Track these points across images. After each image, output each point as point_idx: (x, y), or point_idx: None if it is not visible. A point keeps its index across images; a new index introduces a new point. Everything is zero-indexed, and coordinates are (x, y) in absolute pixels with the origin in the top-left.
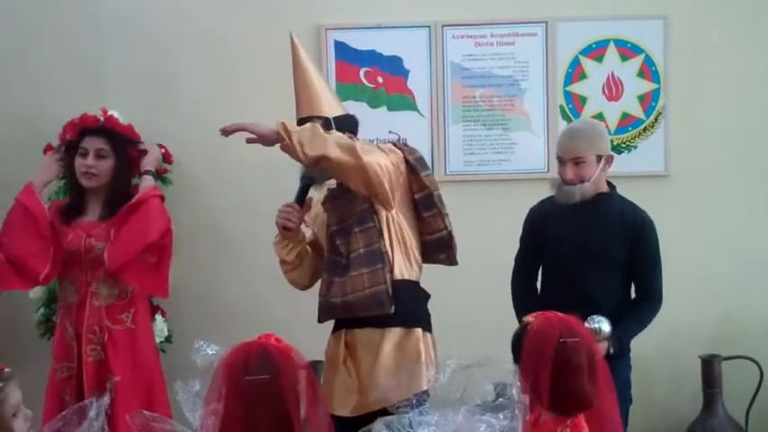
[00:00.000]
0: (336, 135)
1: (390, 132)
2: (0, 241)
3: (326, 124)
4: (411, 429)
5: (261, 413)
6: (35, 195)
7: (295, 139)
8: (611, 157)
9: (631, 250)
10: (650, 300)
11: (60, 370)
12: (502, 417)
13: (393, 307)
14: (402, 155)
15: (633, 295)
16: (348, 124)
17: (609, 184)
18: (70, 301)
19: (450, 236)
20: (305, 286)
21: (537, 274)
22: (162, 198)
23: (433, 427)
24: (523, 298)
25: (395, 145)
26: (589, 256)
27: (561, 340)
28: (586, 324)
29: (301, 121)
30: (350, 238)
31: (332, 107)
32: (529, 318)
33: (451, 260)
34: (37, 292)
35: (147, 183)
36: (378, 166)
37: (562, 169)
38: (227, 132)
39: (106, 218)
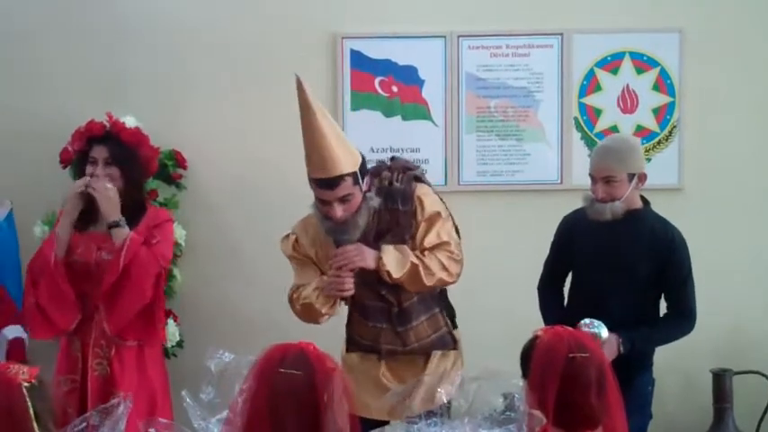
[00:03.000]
0: (438, 262)
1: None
2: (32, 281)
3: (356, 180)
4: None
5: (289, 409)
6: (52, 248)
7: (398, 281)
8: (645, 175)
9: (661, 267)
10: (680, 315)
11: (64, 383)
12: (504, 429)
13: (457, 343)
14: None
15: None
16: (365, 169)
17: (643, 199)
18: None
19: None
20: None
21: (564, 281)
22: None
23: None
24: (550, 303)
25: (405, 172)
26: (616, 271)
27: (570, 355)
28: (584, 328)
29: (324, 182)
30: (397, 288)
31: (352, 157)
32: (538, 331)
33: None
34: None
35: (119, 235)
36: (457, 276)
37: (594, 187)
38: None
39: None
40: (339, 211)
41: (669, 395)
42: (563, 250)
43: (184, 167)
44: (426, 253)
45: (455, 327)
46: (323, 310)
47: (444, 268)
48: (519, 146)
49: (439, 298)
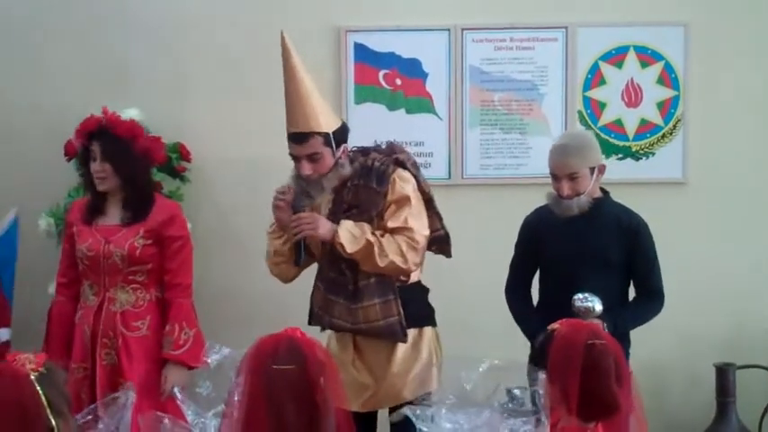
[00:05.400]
0: (396, 246)
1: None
2: None
3: (328, 142)
4: (432, 422)
5: (286, 402)
6: None
7: (352, 256)
8: (604, 166)
9: (628, 254)
10: (651, 297)
11: (77, 370)
12: (524, 421)
13: (406, 336)
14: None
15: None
16: (343, 136)
17: (602, 189)
18: (89, 304)
19: (447, 235)
20: (289, 280)
21: (531, 283)
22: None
23: (455, 423)
24: (522, 304)
25: (395, 150)
26: (587, 261)
27: (589, 342)
28: (578, 303)
29: (295, 136)
30: (356, 265)
31: (328, 119)
32: (554, 325)
33: (445, 254)
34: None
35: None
36: (414, 266)
37: (557, 185)
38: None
39: (128, 223)
40: (307, 168)
41: (672, 389)
42: (530, 251)
43: (189, 160)
44: (387, 235)
45: (433, 324)
46: (270, 241)
47: (401, 254)
48: (523, 139)
49: (408, 289)
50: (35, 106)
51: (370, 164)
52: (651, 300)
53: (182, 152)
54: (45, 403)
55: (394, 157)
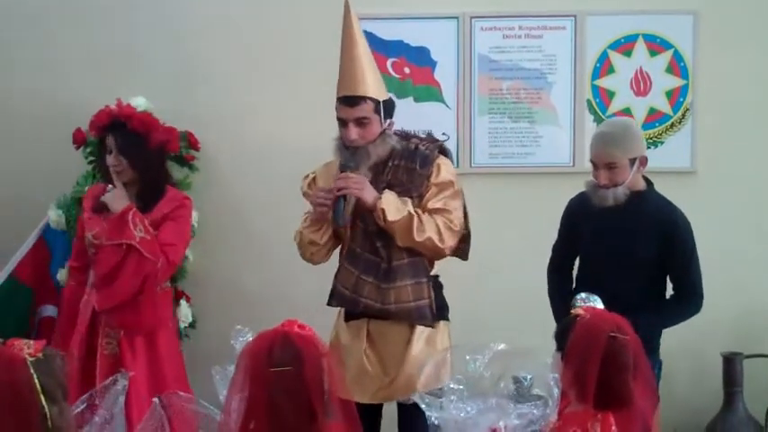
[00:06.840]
0: (434, 224)
1: (443, 134)
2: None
3: (377, 109)
4: (441, 410)
5: (284, 402)
6: None
7: (391, 225)
8: (645, 159)
9: (665, 248)
10: (685, 296)
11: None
12: (533, 405)
13: (435, 322)
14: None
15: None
16: (391, 109)
17: (647, 180)
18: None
19: (469, 235)
20: (319, 262)
21: (572, 265)
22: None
23: (464, 411)
24: (559, 287)
25: (435, 142)
26: (621, 253)
27: (612, 334)
28: (579, 302)
29: (346, 99)
30: (391, 244)
31: (379, 88)
32: (579, 310)
33: (462, 256)
34: (63, 274)
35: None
36: (449, 248)
37: (596, 173)
38: (338, 193)
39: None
40: (354, 132)
41: (679, 378)
42: (569, 235)
43: (197, 149)
44: (426, 214)
45: (447, 319)
46: (305, 233)
47: (438, 232)
48: (531, 128)
49: (434, 279)
50: (43, 95)
51: (413, 147)
52: (685, 300)
53: (190, 141)
54: (39, 389)
55: (438, 143)
